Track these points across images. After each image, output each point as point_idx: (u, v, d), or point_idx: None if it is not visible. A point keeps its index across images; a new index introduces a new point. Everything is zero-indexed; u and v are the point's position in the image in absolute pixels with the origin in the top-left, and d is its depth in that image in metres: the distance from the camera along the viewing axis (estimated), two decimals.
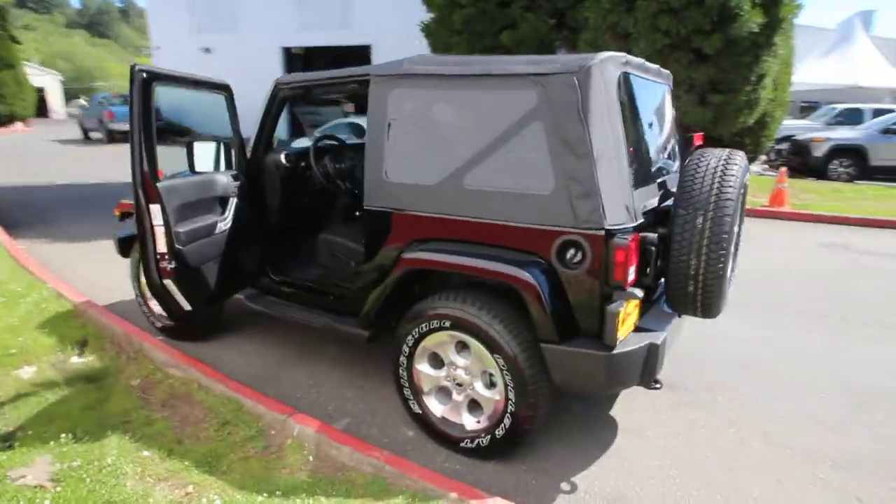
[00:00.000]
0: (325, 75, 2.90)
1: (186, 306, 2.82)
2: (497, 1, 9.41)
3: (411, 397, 2.63)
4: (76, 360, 3.41)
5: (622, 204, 2.12)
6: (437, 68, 2.39)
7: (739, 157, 2.32)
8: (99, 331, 3.73)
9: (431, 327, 2.45)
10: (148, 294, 3.77)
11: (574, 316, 2.19)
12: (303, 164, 3.40)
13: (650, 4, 7.54)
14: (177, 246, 2.68)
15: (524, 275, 2.16)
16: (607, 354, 2.10)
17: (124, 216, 3.85)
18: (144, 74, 2.58)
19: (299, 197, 3.42)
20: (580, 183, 2.09)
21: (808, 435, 2.74)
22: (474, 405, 2.54)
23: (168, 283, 2.70)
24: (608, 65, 2.15)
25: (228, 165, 3.03)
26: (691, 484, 2.39)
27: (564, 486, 2.38)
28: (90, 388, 3.08)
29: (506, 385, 2.32)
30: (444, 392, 2.62)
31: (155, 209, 2.57)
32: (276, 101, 3.05)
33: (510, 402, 2.32)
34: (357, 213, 3.78)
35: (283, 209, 3.29)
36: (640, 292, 2.21)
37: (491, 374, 2.42)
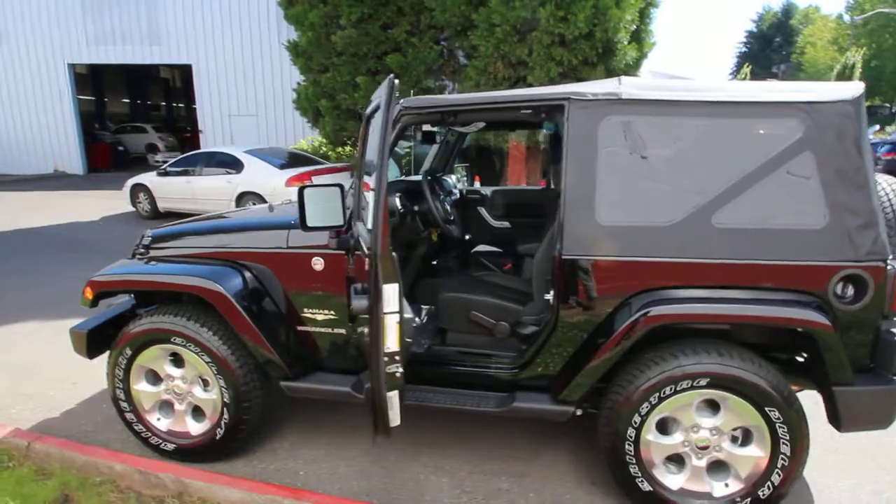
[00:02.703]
0: (482, 98, 2.33)
1: (396, 421, 1.90)
2: (381, 24, 9.05)
3: (639, 475, 2.23)
4: None
5: (885, 232, 2.09)
6: (674, 94, 2.08)
7: None
8: (81, 477, 2.46)
9: (678, 389, 2.11)
10: (144, 407, 2.67)
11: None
12: (415, 207, 2.68)
13: (544, 36, 7.98)
14: (407, 340, 1.82)
15: (820, 318, 1.98)
16: None
17: (99, 299, 2.64)
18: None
19: (406, 248, 2.69)
20: (858, 214, 2.01)
21: None
22: (715, 468, 2.25)
23: (393, 395, 1.84)
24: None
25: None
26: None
27: None
28: None
29: (777, 440, 2.10)
30: (674, 461, 2.28)
31: (391, 291, 1.71)
32: (396, 131, 2.35)
33: (782, 457, 2.11)
34: (435, 262, 3.15)
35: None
36: None
37: (734, 430, 2.18)
